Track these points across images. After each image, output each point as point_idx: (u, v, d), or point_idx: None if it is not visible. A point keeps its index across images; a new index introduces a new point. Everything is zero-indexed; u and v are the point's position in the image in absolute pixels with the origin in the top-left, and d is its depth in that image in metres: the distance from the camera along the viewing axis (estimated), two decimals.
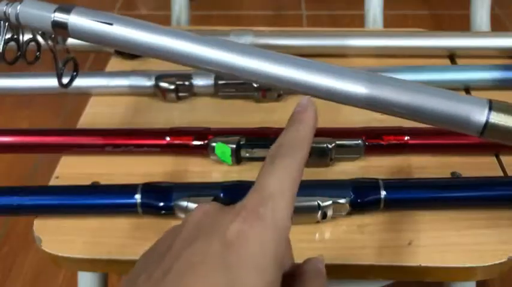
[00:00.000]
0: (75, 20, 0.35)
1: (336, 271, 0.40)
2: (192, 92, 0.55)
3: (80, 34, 0.35)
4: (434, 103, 0.30)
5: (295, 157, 0.26)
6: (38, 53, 0.40)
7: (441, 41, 0.60)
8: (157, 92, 0.55)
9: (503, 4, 1.49)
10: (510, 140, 0.31)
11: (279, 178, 0.25)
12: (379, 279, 0.43)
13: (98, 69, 0.61)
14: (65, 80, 0.41)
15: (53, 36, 0.37)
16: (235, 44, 0.34)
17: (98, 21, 0.34)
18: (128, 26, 0.34)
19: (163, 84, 0.54)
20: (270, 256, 0.23)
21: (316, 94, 0.33)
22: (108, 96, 0.56)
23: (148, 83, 0.55)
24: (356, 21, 1.40)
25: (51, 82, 0.56)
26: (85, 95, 0.57)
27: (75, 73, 0.42)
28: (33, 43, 0.39)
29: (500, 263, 0.39)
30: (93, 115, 0.54)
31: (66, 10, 0.35)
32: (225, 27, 0.62)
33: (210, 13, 1.50)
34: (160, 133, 0.48)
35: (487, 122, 0.30)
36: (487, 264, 0.39)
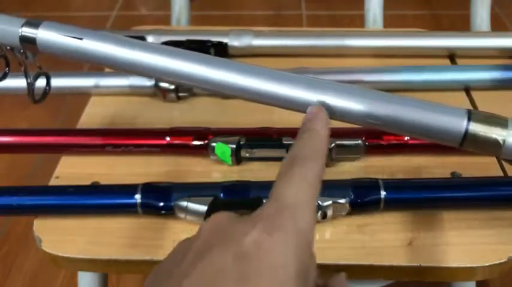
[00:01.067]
0: (43, 34, 0.34)
1: (336, 271, 0.40)
2: (192, 92, 0.55)
3: (49, 49, 0.34)
4: (413, 115, 0.30)
5: (311, 167, 0.25)
6: (6, 69, 0.39)
7: (441, 41, 0.60)
8: (157, 92, 0.55)
9: (503, 4, 1.49)
10: (490, 151, 0.31)
11: (297, 188, 0.24)
12: (379, 279, 0.43)
13: (98, 69, 0.61)
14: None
15: (21, 51, 0.37)
16: (207, 58, 0.33)
17: (67, 36, 0.34)
18: (98, 40, 0.34)
19: (163, 84, 0.54)
20: (291, 269, 0.21)
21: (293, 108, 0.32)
22: (108, 96, 0.56)
23: (148, 83, 0.55)
24: (356, 21, 1.40)
25: (51, 82, 0.56)
26: (85, 95, 0.57)
27: (47, 88, 0.41)
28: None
29: (500, 263, 0.39)
30: (93, 115, 0.54)
31: (34, 25, 0.34)
32: (225, 27, 0.62)
33: (210, 13, 1.50)
34: (160, 133, 0.48)
35: (466, 133, 0.30)
36: (487, 264, 0.39)
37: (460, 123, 0.30)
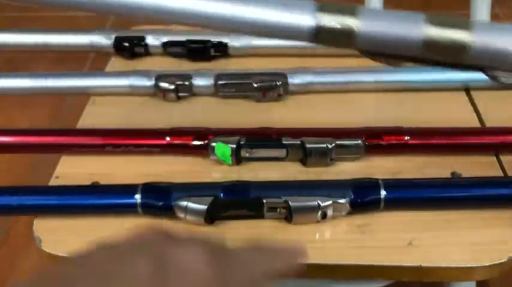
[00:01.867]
0: None
1: (336, 271, 0.40)
2: (192, 92, 0.55)
3: None
4: (258, 13, 0.28)
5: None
6: None
7: None
8: (157, 92, 0.55)
9: (503, 4, 1.49)
10: (343, 43, 0.29)
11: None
12: (379, 279, 0.43)
13: (98, 69, 0.61)
14: None
15: None
16: None
17: None
18: None
19: (163, 84, 0.54)
20: None
21: None
22: (108, 96, 0.56)
23: (148, 83, 0.55)
24: None
25: (51, 82, 0.56)
26: (85, 95, 0.57)
27: None
28: None
29: (500, 263, 0.39)
30: (93, 115, 0.54)
31: None
32: None
33: None
34: (160, 133, 0.48)
35: (318, 26, 0.28)
36: (487, 264, 0.39)
37: (310, 16, 0.28)
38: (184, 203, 0.41)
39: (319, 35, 0.28)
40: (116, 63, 0.61)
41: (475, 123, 0.52)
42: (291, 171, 0.46)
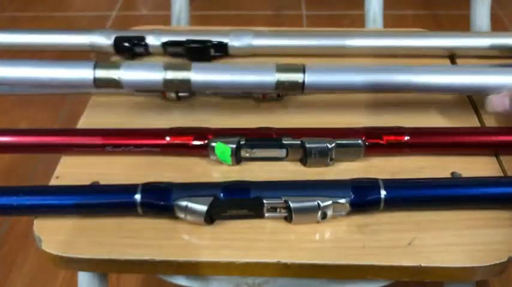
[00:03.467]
0: None
1: (336, 271, 0.40)
2: (192, 92, 0.55)
3: None
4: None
5: None
6: None
7: (441, 41, 0.60)
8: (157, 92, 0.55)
9: (503, 4, 1.49)
10: None
11: None
12: (379, 279, 0.43)
13: None
14: None
15: None
16: None
17: None
18: None
19: None
20: None
21: None
22: (108, 96, 0.56)
23: None
24: (356, 21, 1.40)
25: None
26: (85, 95, 0.57)
27: None
28: None
29: (500, 263, 0.39)
30: (93, 115, 0.54)
31: None
32: (225, 27, 0.62)
33: (210, 13, 1.50)
34: (160, 133, 0.48)
35: None
36: (487, 264, 0.39)
37: None
38: (184, 203, 0.41)
39: None
40: None
41: (475, 123, 0.52)
42: (291, 171, 0.47)
